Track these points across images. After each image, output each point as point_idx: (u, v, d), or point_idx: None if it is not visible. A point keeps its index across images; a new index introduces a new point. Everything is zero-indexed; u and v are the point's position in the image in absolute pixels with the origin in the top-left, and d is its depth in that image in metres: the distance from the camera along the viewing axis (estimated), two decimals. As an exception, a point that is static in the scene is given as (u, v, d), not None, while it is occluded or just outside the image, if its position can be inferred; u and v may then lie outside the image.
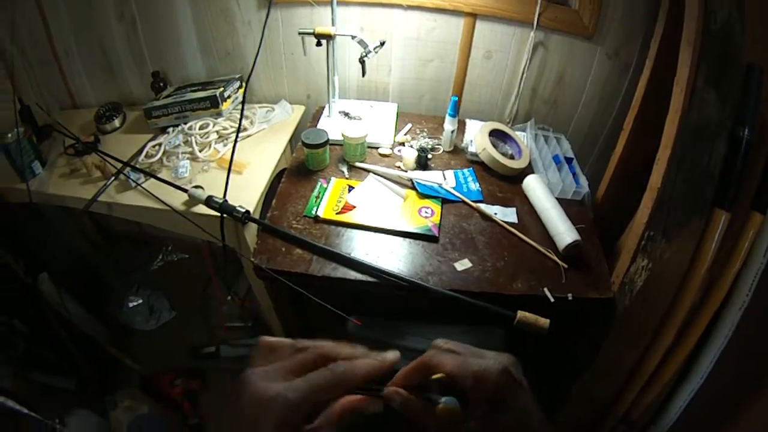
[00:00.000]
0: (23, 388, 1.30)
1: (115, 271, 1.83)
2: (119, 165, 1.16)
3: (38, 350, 1.41)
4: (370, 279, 0.96)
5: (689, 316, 0.92)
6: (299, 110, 1.46)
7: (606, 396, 1.09)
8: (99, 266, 1.79)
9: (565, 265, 1.01)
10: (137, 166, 1.19)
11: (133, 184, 1.15)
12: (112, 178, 1.16)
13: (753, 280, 0.85)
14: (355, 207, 1.09)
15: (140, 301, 1.69)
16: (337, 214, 1.07)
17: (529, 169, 1.24)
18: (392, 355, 0.39)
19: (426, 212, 1.10)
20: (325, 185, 1.15)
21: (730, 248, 0.86)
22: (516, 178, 1.22)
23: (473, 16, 1.27)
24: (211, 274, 1.67)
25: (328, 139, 1.17)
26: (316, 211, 1.07)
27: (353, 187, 1.15)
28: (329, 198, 1.11)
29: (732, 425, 0.92)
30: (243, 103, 1.16)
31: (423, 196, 1.14)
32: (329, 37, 1.18)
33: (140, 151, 1.24)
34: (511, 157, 1.25)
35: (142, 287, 1.75)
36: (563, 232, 1.03)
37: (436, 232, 1.05)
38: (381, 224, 1.06)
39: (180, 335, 1.70)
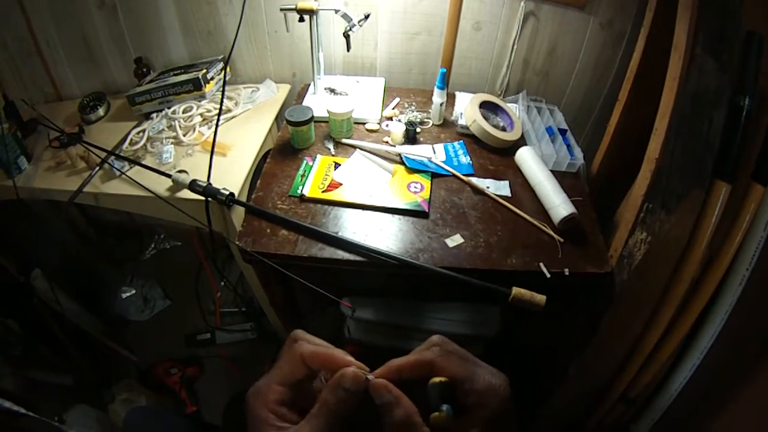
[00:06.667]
0: (23, 387, 1.29)
1: (107, 263, 1.81)
2: (103, 154, 1.13)
3: (35, 348, 1.40)
4: (358, 258, 0.93)
5: (689, 291, 0.89)
6: (285, 89, 1.42)
7: (604, 374, 1.07)
8: (91, 259, 1.77)
9: (561, 239, 0.98)
10: (121, 154, 1.16)
11: (118, 173, 1.12)
12: (97, 168, 1.14)
13: (754, 254, 0.82)
14: (341, 184, 1.06)
15: (134, 292, 1.67)
16: (323, 192, 1.04)
17: (521, 141, 1.20)
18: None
19: (415, 187, 1.07)
20: (310, 163, 1.12)
21: (730, 221, 0.84)
22: (508, 150, 1.18)
23: (461, -14, 1.23)
24: (203, 261, 1.66)
25: (313, 116, 1.14)
26: (301, 190, 1.04)
27: (339, 164, 1.12)
28: (315, 176, 1.08)
29: (733, 402, 0.90)
30: (224, 83, 1.13)
31: (412, 170, 1.11)
32: (312, 12, 1.15)
33: (124, 139, 1.22)
34: (503, 129, 1.21)
35: (135, 277, 1.73)
36: (558, 205, 1.00)
37: (425, 208, 1.02)
38: (368, 201, 1.03)
39: (175, 324, 1.69)
